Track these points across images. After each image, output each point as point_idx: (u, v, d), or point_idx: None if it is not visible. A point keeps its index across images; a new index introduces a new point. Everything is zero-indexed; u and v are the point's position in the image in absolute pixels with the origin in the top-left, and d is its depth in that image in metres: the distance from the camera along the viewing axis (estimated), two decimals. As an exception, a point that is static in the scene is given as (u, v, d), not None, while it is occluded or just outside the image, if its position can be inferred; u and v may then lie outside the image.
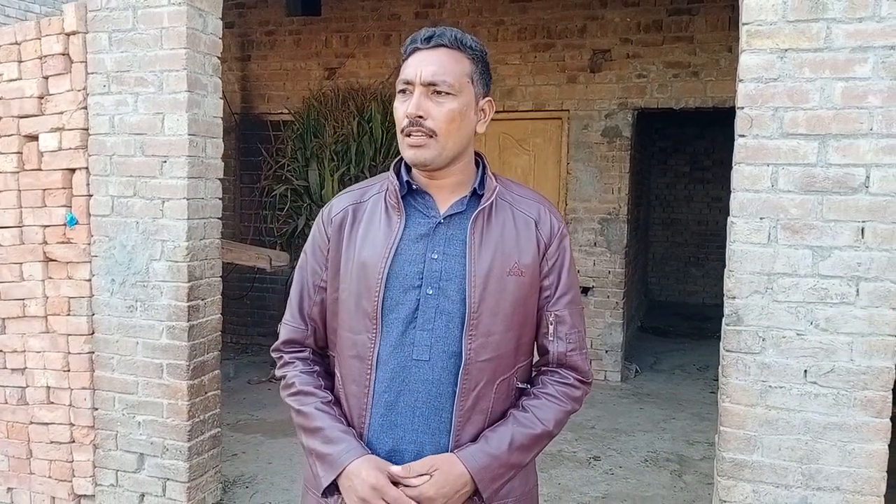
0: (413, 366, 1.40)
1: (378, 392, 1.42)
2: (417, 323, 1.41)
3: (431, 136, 1.38)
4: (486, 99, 1.48)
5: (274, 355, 1.59)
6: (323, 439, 1.42)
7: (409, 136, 1.40)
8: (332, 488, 1.40)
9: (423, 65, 1.38)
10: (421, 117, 1.37)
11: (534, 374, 1.54)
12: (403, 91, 1.42)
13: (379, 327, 1.41)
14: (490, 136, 6.01)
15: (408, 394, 1.41)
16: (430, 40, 1.40)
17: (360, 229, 1.48)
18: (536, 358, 1.55)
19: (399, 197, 1.46)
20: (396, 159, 1.52)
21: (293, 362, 1.55)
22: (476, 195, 1.47)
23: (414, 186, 1.48)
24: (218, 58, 3.31)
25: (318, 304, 1.54)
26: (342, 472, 1.37)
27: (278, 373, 1.57)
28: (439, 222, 1.45)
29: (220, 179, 3.38)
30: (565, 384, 1.48)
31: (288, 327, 1.57)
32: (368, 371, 1.42)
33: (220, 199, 3.39)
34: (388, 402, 1.41)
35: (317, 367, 1.54)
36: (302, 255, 1.58)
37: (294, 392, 1.50)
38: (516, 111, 5.94)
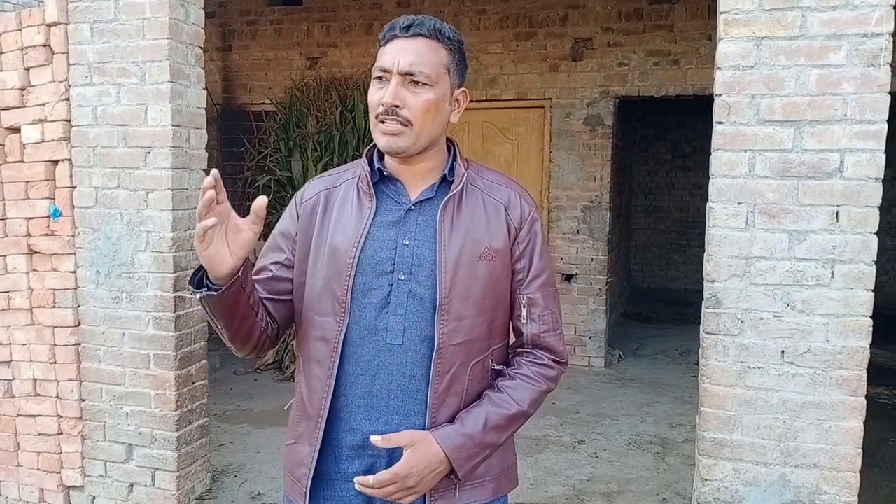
0: (387, 350, 1.43)
1: (353, 375, 1.44)
2: (390, 308, 1.43)
3: (406, 125, 1.40)
4: (461, 90, 1.50)
5: None
6: None
7: (382, 122, 1.41)
8: (200, 281, 1.37)
9: (401, 54, 1.39)
10: (397, 106, 1.39)
11: (510, 355, 1.57)
12: (380, 78, 1.43)
13: (347, 311, 1.43)
14: (473, 126, 6.02)
15: (382, 377, 1.43)
16: (409, 29, 1.41)
17: (332, 215, 1.49)
18: (513, 340, 1.58)
19: (370, 183, 1.48)
20: (370, 146, 1.54)
21: None
22: (446, 181, 1.49)
23: (385, 173, 1.50)
24: (200, 48, 3.30)
25: (271, 280, 1.51)
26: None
27: None
28: (410, 209, 1.47)
29: (203, 170, 3.39)
30: (540, 364, 1.51)
31: None
32: (333, 353, 1.43)
33: (204, 189, 3.39)
34: (364, 385, 1.44)
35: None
36: (271, 235, 1.58)
37: None
38: (499, 100, 5.95)
